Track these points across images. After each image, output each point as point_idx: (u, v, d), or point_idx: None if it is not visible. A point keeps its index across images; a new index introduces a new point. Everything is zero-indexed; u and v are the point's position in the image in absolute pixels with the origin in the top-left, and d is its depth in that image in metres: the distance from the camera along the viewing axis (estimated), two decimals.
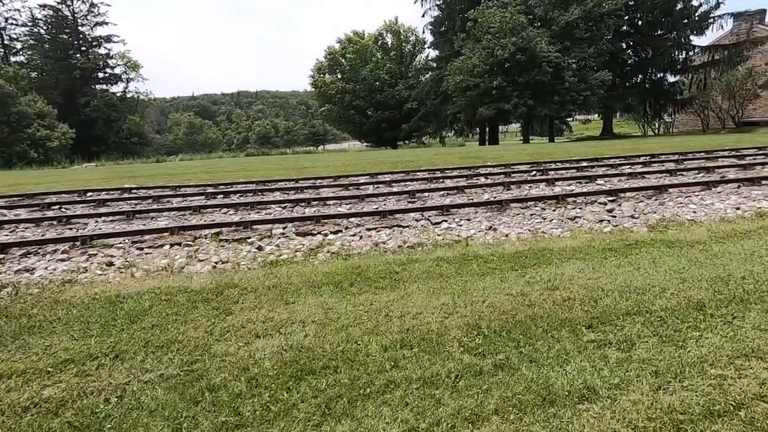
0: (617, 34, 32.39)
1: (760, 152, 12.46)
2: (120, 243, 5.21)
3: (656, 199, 6.85)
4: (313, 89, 46.13)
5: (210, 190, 9.54)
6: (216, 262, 4.51)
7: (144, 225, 6.31)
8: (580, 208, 6.47)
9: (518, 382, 2.41)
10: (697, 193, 7.07)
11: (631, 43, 34.37)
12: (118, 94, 51.82)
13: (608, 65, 29.42)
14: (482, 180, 9.77)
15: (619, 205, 6.52)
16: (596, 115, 43.20)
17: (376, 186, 9.52)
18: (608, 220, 5.77)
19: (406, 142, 45.64)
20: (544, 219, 6.02)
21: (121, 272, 4.38)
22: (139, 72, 54.04)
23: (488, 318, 3.15)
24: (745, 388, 2.30)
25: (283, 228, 5.93)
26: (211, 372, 2.68)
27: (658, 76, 35.34)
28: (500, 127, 38.96)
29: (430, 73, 40.89)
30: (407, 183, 9.79)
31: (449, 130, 42.66)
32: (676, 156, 12.53)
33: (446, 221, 6.09)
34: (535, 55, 26.59)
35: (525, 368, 2.54)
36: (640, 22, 33.62)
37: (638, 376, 2.43)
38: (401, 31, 43.81)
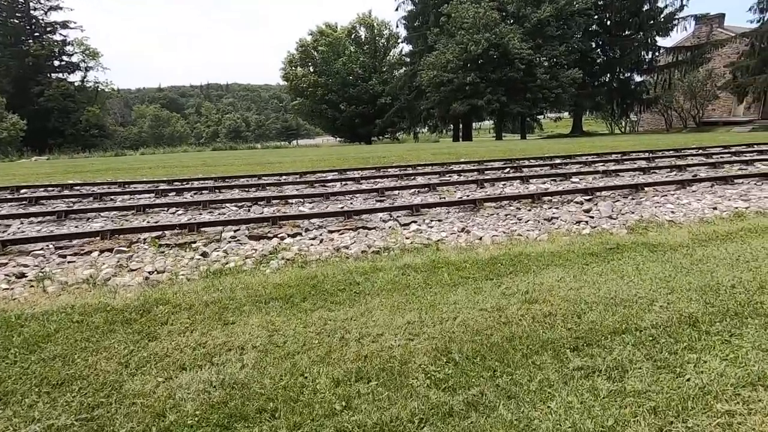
0: (587, 33, 32.87)
1: (725, 151, 12.64)
2: (40, 249, 4.51)
3: (633, 198, 6.63)
4: (285, 82, 44.93)
5: (163, 186, 8.78)
6: (150, 273, 3.90)
7: (76, 227, 5.59)
8: (557, 208, 6.16)
9: (495, 427, 1.99)
10: (672, 192, 6.89)
11: (600, 43, 34.98)
12: (75, 84, 48.97)
13: (578, 64, 29.79)
14: (455, 177, 9.40)
15: (596, 204, 6.25)
16: (566, 113, 43.93)
17: (344, 183, 9.00)
18: (586, 221, 5.47)
19: (380, 137, 45.16)
20: (520, 220, 5.67)
21: (32, 286, 3.71)
22: (98, 60, 51.32)
23: (460, 340, 2.72)
24: (758, 428, 1.95)
25: (235, 230, 5.34)
26: (116, 420, 2.13)
27: (626, 75, 36.15)
28: (473, 123, 39.01)
29: (404, 68, 40.47)
30: (377, 180, 9.31)
31: (423, 126, 42.41)
32: (647, 154, 12.56)
33: (416, 222, 5.66)
34: (507, 51, 26.55)
35: (503, 407, 2.11)
36: (608, 22, 34.24)
37: (635, 414, 2.04)
38: (375, 24, 43.13)
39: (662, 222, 5.37)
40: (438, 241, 4.97)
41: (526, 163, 11.57)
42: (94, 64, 51.06)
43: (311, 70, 42.92)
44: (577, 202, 6.41)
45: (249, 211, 6.71)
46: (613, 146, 15.74)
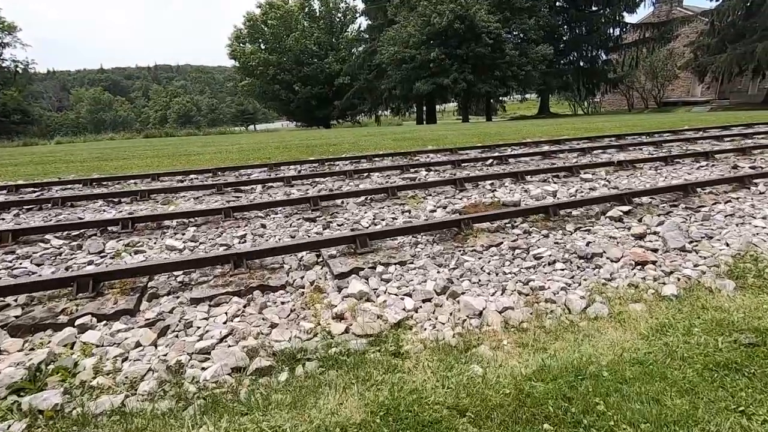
0: (553, 8, 31.04)
1: (735, 133, 10.87)
2: None
3: (687, 207, 4.42)
4: (233, 61, 40.71)
5: None
6: None
7: None
8: (588, 230, 3.85)
9: None
10: (738, 197, 4.75)
11: (567, 18, 33.30)
12: None
13: (546, 41, 27.85)
14: (423, 174, 6.96)
15: (651, 224, 3.99)
16: (531, 95, 42.34)
17: (266, 187, 6.36)
18: (653, 262, 3.16)
19: (340, 121, 42.01)
20: (539, 260, 3.30)
21: None
22: (15, 36, 45.12)
23: None
24: None
25: None
26: None
27: (593, 54, 34.76)
28: (437, 105, 36.68)
29: (362, 45, 37.36)
30: (316, 180, 6.73)
31: (385, 109, 39.61)
32: (644, 137, 10.61)
33: (360, 271, 3.17)
34: (474, 24, 24.15)
35: None
36: None
37: None
38: None
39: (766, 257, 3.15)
40: (400, 323, 2.52)
41: (509, 151, 9.29)
42: (10, 40, 44.81)
43: (261, 47, 38.90)
44: (614, 219, 4.12)
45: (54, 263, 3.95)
46: (597, 128, 13.78)
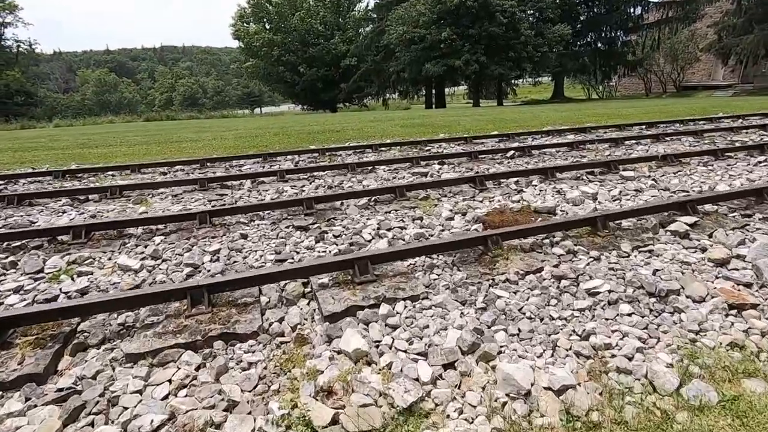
0: None
1: None
2: None
3: (765, 218, 3.57)
4: (237, 41, 39.51)
5: None
6: None
7: None
8: (651, 252, 3.01)
9: None
10: None
11: None
12: None
13: (562, 20, 26.36)
14: (435, 168, 6.12)
15: (729, 243, 3.15)
16: (544, 78, 40.65)
17: (257, 183, 5.57)
18: (754, 305, 2.34)
19: (347, 104, 40.82)
20: (595, 296, 2.48)
21: None
22: (17, 15, 44.29)
23: None
24: None
25: None
26: None
27: (611, 34, 33.08)
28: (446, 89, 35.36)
29: (370, 24, 35.92)
30: (314, 175, 5.92)
31: (393, 92, 38.32)
32: (677, 125, 9.63)
33: (359, 315, 2.39)
34: (488, 2, 22.83)
35: None
36: None
37: None
38: None
39: None
40: (412, 407, 1.75)
41: (531, 140, 8.38)
42: (12, 19, 43.99)
43: (266, 26, 37.61)
44: (678, 234, 3.26)
45: None
46: (621, 115, 12.77)
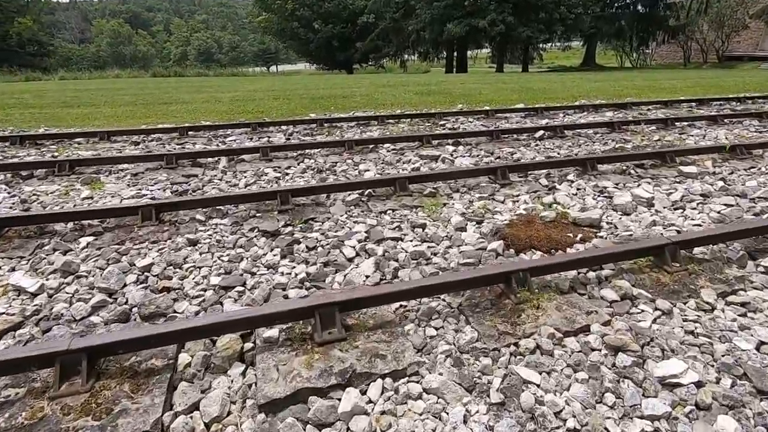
0: None
1: None
2: None
3: None
4: None
5: None
6: None
7: None
8: (746, 305, 2.11)
9: None
10: None
11: None
12: None
13: None
14: (448, 150, 5.15)
15: None
16: (575, 43, 37.83)
17: (234, 161, 4.70)
18: None
19: (363, 65, 38.91)
20: (671, 389, 1.62)
21: None
22: None
23: None
24: None
25: None
26: None
27: None
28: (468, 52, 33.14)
29: None
30: (303, 153, 5.01)
31: (412, 53, 36.22)
32: (733, 103, 8.36)
33: (312, 405, 1.58)
34: None
35: None
36: None
37: None
38: None
39: None
40: None
41: (562, 117, 7.27)
42: None
43: None
44: None
45: None
46: (664, 87, 11.37)
